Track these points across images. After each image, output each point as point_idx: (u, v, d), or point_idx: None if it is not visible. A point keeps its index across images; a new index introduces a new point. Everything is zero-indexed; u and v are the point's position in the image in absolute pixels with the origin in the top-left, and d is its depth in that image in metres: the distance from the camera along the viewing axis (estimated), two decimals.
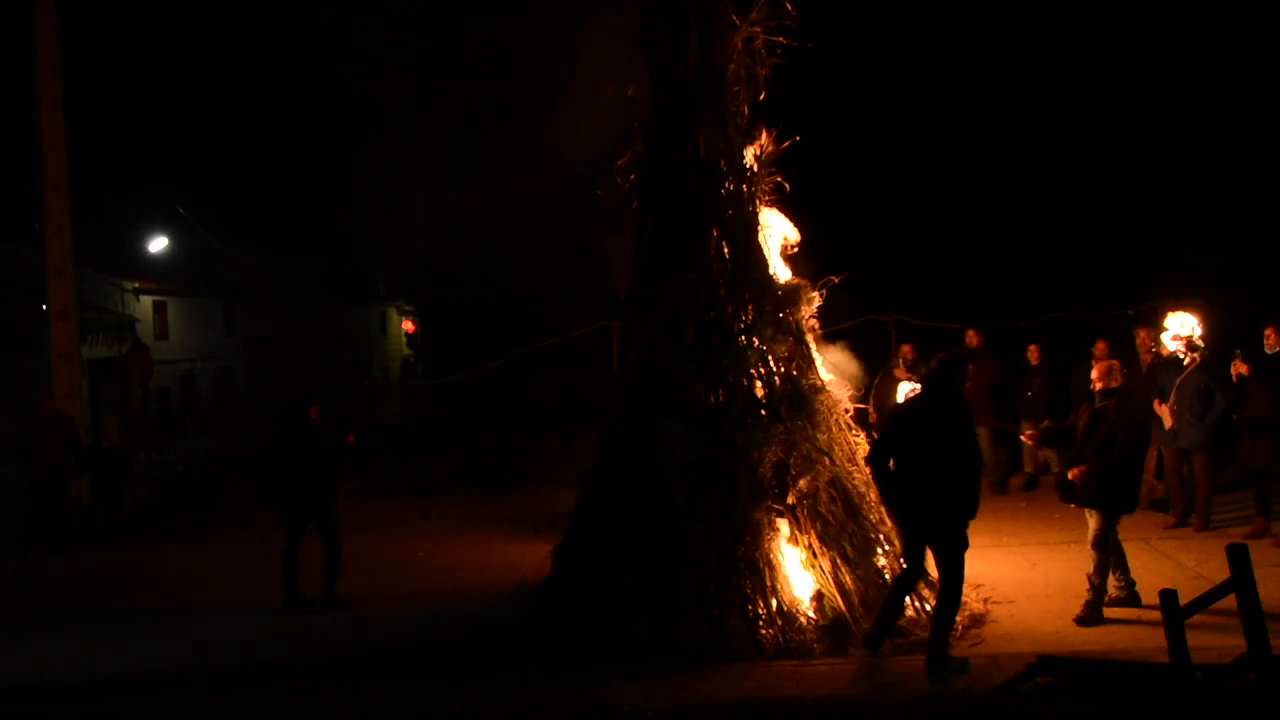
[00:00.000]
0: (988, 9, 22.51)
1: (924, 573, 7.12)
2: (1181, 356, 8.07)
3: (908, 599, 7.52)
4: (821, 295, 8.43)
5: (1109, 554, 7.40)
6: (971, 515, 6.70)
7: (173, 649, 8.10)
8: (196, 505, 13.84)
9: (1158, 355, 10.68)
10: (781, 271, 8.39)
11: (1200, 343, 7.98)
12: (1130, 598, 7.58)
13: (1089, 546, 7.45)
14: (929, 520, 6.74)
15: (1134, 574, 7.71)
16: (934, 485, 6.68)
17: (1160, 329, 9.25)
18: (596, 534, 7.71)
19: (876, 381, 12.50)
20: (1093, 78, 22.41)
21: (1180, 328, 7.96)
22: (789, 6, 8.14)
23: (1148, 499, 11.10)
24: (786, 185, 8.47)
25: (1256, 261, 18.86)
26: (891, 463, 6.87)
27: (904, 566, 7.08)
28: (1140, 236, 21.00)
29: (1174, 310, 8.60)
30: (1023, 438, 9.08)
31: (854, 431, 8.32)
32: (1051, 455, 12.16)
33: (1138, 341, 11.16)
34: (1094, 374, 7.67)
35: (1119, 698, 5.64)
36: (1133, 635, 7.03)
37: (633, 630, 7.04)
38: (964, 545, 6.71)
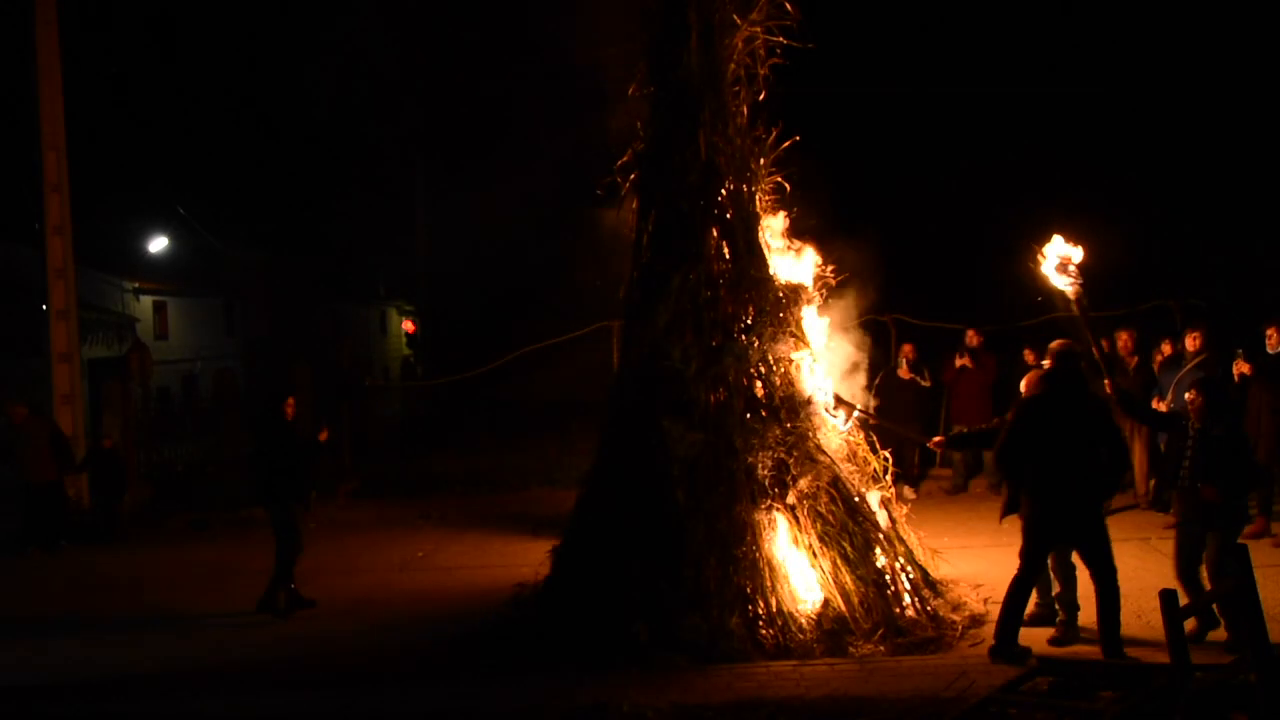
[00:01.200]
0: (987, 9, 22.51)
1: (1042, 572, 6.95)
2: (1068, 286, 7.51)
3: (911, 598, 7.53)
4: (821, 295, 8.44)
5: (1055, 567, 7.23)
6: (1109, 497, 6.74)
7: (173, 649, 8.11)
8: (196, 505, 13.84)
9: (1163, 356, 10.68)
10: (782, 271, 8.39)
11: (1077, 275, 7.43)
12: (1048, 615, 7.34)
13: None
14: (1076, 517, 6.70)
15: (1134, 574, 7.68)
16: (1079, 480, 6.66)
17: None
18: (596, 534, 7.70)
19: (878, 381, 12.52)
20: (1094, 78, 22.40)
21: (1062, 248, 7.48)
22: (789, 6, 8.14)
23: (1147, 499, 11.10)
24: (787, 185, 8.48)
25: (1258, 260, 18.87)
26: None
27: (1023, 566, 6.85)
28: (1139, 236, 21.00)
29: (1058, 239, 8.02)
30: (929, 445, 8.78)
31: (854, 431, 8.32)
32: None
33: (1119, 344, 11.06)
34: (1023, 386, 7.52)
35: (1119, 698, 5.63)
36: (1132, 636, 7.02)
37: (633, 630, 7.03)
38: (1108, 535, 6.72)
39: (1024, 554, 6.92)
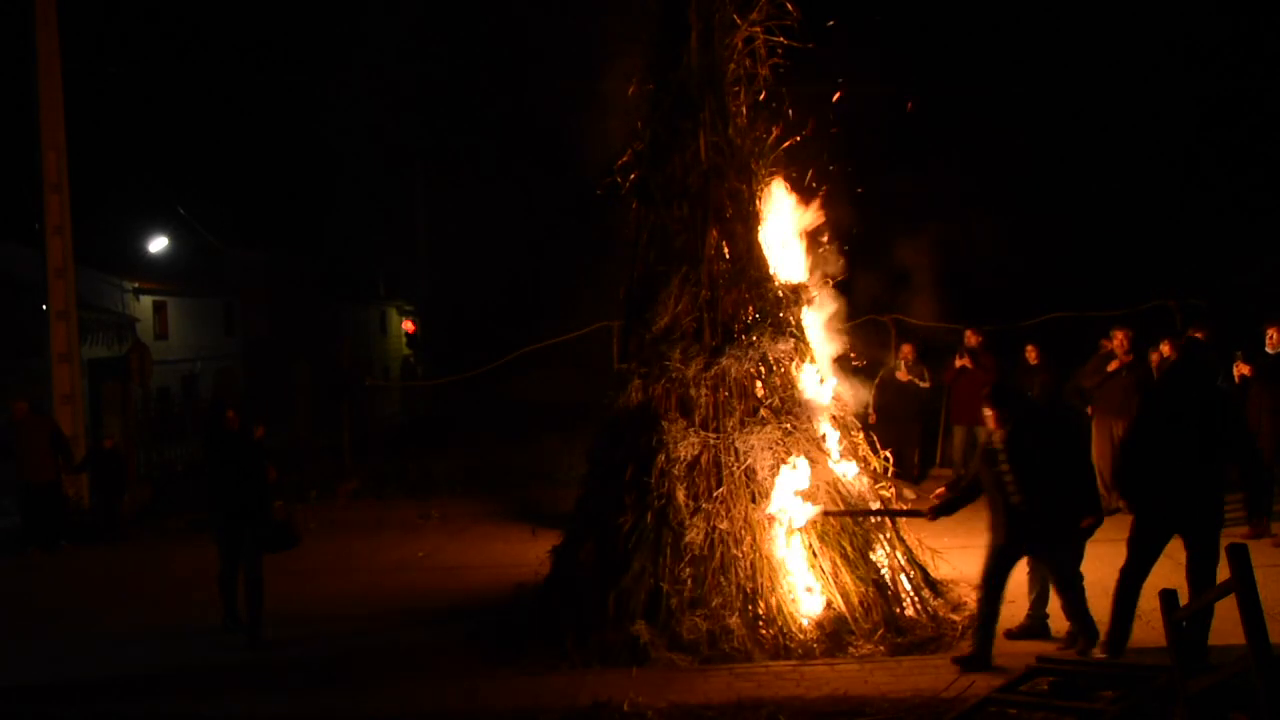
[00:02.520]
0: (986, 10, 22.52)
1: (1148, 568, 6.80)
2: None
3: (911, 598, 7.53)
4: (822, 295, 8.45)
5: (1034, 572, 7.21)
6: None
7: (172, 649, 8.10)
8: (196, 505, 13.83)
9: (1163, 358, 10.64)
10: (782, 271, 8.39)
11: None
12: (1039, 628, 7.27)
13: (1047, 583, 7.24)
14: (1202, 507, 6.61)
15: None
16: (1207, 472, 6.59)
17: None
18: (596, 534, 7.71)
19: (877, 382, 12.54)
20: (1095, 79, 22.42)
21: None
22: (789, 6, 8.15)
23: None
24: (788, 185, 8.48)
25: (1257, 260, 18.86)
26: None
27: (1134, 561, 6.73)
28: (1138, 235, 21.01)
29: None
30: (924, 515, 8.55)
31: (854, 431, 8.32)
32: None
33: (1115, 344, 10.85)
34: (986, 415, 7.26)
35: (1119, 698, 5.64)
36: (1133, 636, 7.01)
37: (633, 630, 7.04)
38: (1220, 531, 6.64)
39: (1132, 544, 6.73)
